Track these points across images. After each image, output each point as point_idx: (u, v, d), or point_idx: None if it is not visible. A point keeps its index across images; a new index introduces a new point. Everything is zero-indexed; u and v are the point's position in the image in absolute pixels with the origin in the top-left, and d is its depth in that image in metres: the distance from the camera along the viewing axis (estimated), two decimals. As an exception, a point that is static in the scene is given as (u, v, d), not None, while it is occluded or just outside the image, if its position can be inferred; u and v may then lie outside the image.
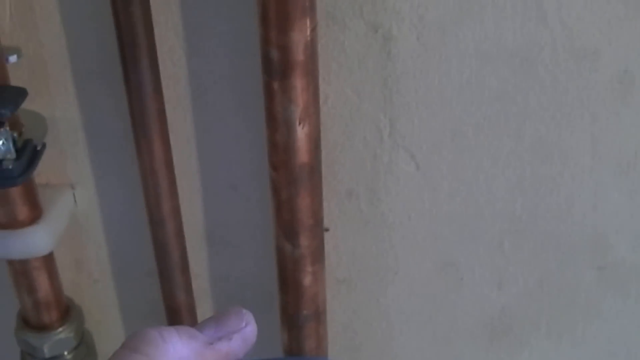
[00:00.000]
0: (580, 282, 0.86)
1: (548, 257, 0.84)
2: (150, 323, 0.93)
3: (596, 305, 0.88)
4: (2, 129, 0.72)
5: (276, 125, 0.72)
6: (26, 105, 0.75)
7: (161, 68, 0.75)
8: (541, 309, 0.88)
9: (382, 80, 0.76)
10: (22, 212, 0.80)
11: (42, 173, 0.83)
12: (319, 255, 0.79)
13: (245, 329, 0.44)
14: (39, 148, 0.77)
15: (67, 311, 0.89)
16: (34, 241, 0.81)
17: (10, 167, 0.73)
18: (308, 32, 0.68)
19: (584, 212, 0.82)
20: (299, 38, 0.68)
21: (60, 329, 0.87)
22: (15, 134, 0.74)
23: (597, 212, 0.82)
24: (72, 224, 0.86)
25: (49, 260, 0.84)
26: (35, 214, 0.81)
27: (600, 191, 0.80)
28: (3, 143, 0.72)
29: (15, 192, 0.78)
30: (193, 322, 0.86)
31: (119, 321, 0.95)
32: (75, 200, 0.86)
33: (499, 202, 0.81)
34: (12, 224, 0.80)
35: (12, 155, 0.73)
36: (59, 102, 0.81)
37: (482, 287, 0.87)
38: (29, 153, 0.75)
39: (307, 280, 0.79)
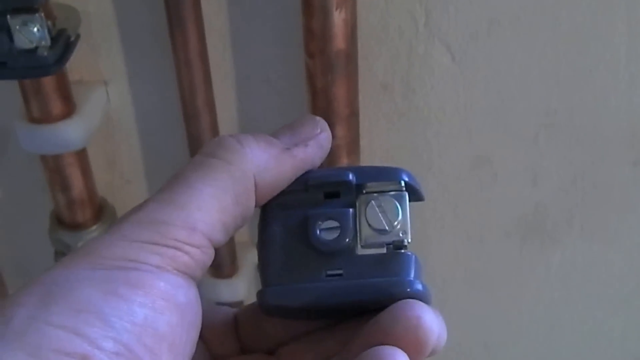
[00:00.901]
0: (615, 177, 0.86)
1: (583, 152, 0.84)
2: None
3: (631, 201, 0.87)
4: (36, 15, 0.71)
5: (312, 10, 0.71)
6: (59, -2, 0.76)
7: (195, -43, 0.75)
8: (575, 206, 0.88)
9: (418, -31, 0.75)
10: (56, 106, 0.80)
11: (74, 69, 0.82)
12: (354, 146, 0.79)
13: (320, 136, 0.43)
14: (72, 39, 0.76)
15: (101, 210, 0.89)
16: (68, 135, 0.81)
17: (44, 54, 0.72)
18: None
19: (620, 105, 0.81)
20: None
21: (94, 227, 0.88)
22: (49, 24, 0.73)
23: (633, 105, 0.81)
24: (104, 122, 0.86)
25: (82, 156, 0.85)
26: (69, 109, 0.81)
27: (636, 84, 0.80)
28: (37, 30, 0.71)
29: (49, 86, 0.78)
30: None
31: (151, 222, 0.95)
32: (108, 97, 0.85)
33: (534, 94, 0.81)
34: (45, 118, 0.80)
35: (47, 43, 0.72)
36: (91, -4, 0.80)
37: (516, 183, 0.87)
38: (63, 43, 0.74)
39: (342, 172, 0.79)
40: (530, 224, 0.89)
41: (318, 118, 0.44)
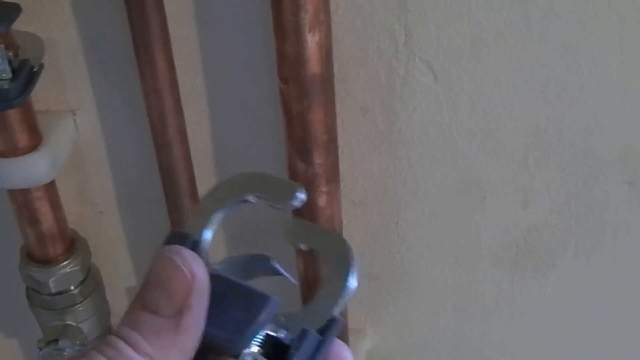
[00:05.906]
0: (609, 198, 0.83)
1: (575, 173, 0.81)
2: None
3: (626, 223, 0.84)
4: (-4, 47, 0.69)
5: (285, 34, 0.69)
6: (21, 26, 0.73)
7: (162, -20, 0.72)
8: (568, 229, 0.85)
9: (395, -14, 0.72)
10: (22, 139, 0.77)
11: (41, 99, 0.80)
12: (333, 174, 0.76)
13: (195, 283, 0.38)
14: (35, 69, 0.74)
15: (73, 244, 0.86)
16: (35, 169, 0.78)
17: (6, 87, 0.70)
18: None
19: (613, 123, 0.78)
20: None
21: (65, 263, 0.85)
22: (10, 54, 0.71)
23: (627, 122, 0.78)
24: (74, 153, 0.84)
25: (51, 189, 0.82)
26: (35, 141, 0.78)
27: (629, 100, 0.77)
28: (-2, 62, 0.69)
29: (14, 118, 0.76)
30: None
31: (126, 254, 0.93)
32: (76, 126, 0.83)
33: (522, 114, 0.78)
34: (11, 151, 0.77)
35: (8, 75, 0.71)
36: (55, 23, 0.78)
37: (506, 207, 0.84)
38: (25, 74, 0.72)
39: (321, 201, 0.76)
40: (523, 248, 0.86)
41: (175, 255, 0.38)
